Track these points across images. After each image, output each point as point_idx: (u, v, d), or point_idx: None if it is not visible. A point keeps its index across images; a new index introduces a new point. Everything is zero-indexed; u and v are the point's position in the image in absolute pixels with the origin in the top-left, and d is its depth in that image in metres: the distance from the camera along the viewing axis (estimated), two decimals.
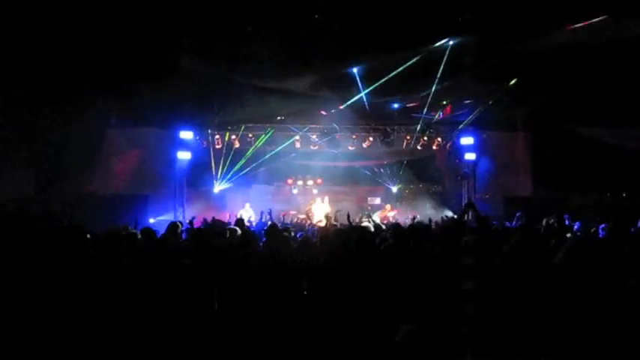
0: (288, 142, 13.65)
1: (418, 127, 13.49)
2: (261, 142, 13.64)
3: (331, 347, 3.82)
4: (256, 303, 4.02)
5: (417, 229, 5.44)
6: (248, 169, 14.32)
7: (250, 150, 13.81)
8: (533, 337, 3.27)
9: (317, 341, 3.88)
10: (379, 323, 3.87)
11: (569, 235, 5.99)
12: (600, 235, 6.07)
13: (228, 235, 5.67)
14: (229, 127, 13.15)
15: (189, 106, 10.76)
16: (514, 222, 8.16)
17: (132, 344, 3.28)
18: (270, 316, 3.96)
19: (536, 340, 3.25)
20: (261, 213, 9.15)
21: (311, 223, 9.66)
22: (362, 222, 10.53)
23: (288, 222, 11.13)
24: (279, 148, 13.79)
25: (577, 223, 7.80)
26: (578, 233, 6.67)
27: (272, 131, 13.37)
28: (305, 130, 13.59)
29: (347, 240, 4.71)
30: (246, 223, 8.30)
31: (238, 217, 9.91)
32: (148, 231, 5.24)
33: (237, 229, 5.94)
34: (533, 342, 3.25)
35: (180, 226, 5.82)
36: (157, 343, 3.46)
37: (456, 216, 11.19)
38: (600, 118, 11.05)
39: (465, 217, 5.76)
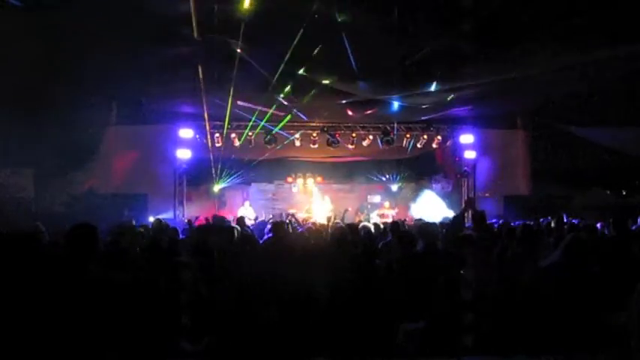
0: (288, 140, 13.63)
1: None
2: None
3: (334, 344, 3.82)
4: (256, 299, 4.02)
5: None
6: (247, 166, 14.32)
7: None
8: (535, 334, 3.27)
9: (319, 337, 3.88)
10: (380, 322, 3.87)
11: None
12: (600, 233, 6.08)
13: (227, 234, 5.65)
14: (229, 126, 13.11)
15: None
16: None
17: (129, 343, 3.27)
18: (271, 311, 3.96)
19: (537, 337, 3.24)
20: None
21: (310, 221, 9.67)
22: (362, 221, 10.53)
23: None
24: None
25: (575, 220, 7.82)
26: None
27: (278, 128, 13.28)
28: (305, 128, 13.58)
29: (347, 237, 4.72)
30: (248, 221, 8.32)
31: (238, 215, 9.91)
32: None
33: (237, 227, 5.94)
34: (534, 339, 3.25)
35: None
36: (156, 342, 3.46)
37: (455, 214, 11.18)
38: (600, 118, 11.02)
39: (465, 215, 5.78)
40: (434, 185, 15.25)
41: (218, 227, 6.00)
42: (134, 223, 6.95)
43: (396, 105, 11.10)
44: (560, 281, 3.35)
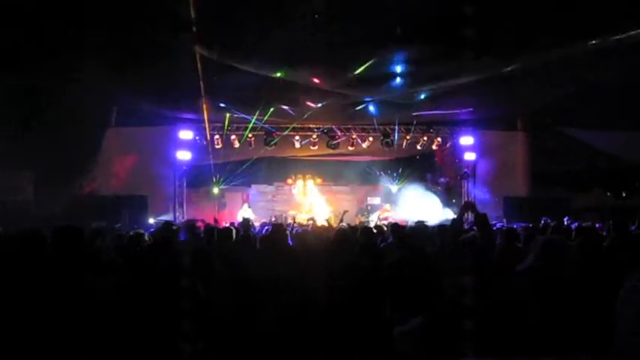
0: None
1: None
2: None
3: (331, 344, 3.82)
4: (253, 300, 4.03)
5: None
6: (247, 168, 14.32)
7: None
8: (534, 335, 3.27)
9: (317, 338, 3.89)
10: (378, 321, 3.87)
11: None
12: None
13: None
14: (229, 128, 13.12)
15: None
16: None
17: (128, 345, 3.27)
18: (268, 312, 3.97)
19: (537, 339, 3.24)
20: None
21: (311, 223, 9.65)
22: (363, 222, 10.52)
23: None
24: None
25: (575, 223, 7.81)
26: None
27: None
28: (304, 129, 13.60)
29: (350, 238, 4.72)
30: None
31: (239, 218, 9.90)
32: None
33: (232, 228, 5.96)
34: (534, 340, 3.25)
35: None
36: (156, 344, 3.46)
37: (455, 216, 11.15)
38: (599, 121, 11.02)
39: (465, 217, 5.76)
40: (433, 187, 15.26)
41: (227, 230, 5.96)
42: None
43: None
44: (533, 284, 3.33)
